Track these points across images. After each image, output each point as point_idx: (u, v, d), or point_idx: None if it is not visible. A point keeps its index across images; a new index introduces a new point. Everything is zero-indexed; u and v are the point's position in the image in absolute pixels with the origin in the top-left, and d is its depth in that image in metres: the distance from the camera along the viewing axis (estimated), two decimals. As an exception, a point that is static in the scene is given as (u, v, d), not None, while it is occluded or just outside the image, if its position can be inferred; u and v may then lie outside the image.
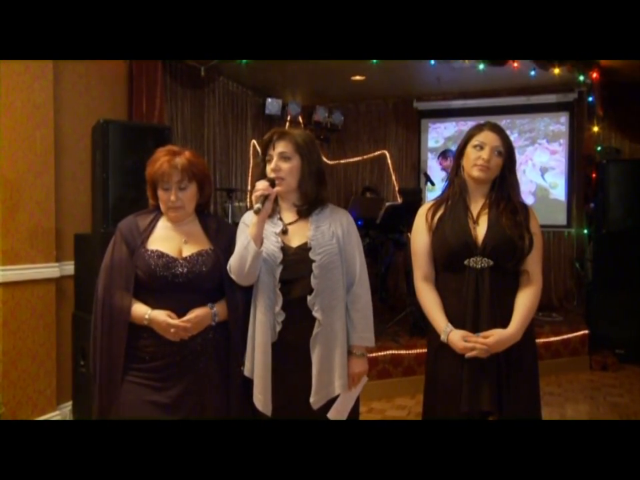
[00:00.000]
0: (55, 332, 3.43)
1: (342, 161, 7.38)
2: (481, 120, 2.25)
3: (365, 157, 7.31)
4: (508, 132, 2.10)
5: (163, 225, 2.06)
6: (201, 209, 2.12)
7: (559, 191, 6.60)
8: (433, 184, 5.63)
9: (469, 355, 1.92)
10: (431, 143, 7.16)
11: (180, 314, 1.93)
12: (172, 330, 1.90)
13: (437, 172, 6.79)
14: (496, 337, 1.92)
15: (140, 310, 1.93)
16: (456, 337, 1.95)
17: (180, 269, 1.95)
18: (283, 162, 2.00)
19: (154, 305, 1.94)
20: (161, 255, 1.96)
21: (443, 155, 6.29)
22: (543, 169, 6.64)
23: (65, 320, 3.51)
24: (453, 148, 6.67)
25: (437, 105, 7.05)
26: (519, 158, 5.19)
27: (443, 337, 1.98)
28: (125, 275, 1.96)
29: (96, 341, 1.97)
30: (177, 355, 1.94)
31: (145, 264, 1.94)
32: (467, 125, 6.61)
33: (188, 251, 2.01)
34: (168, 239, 2.02)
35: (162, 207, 2.04)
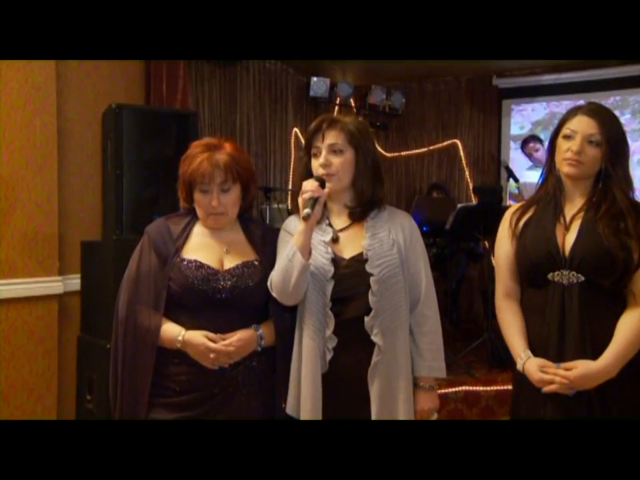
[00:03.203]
0: (56, 359, 3.47)
1: (403, 153, 7.37)
2: (580, 99, 2.25)
3: (432, 147, 7.26)
4: (617, 112, 2.07)
5: (199, 232, 2.09)
6: (242, 212, 2.14)
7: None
8: (516, 180, 5.47)
9: (546, 389, 1.91)
10: (515, 129, 7.04)
11: None
12: (212, 355, 1.90)
13: (521, 165, 6.63)
14: (580, 369, 1.88)
15: (172, 331, 1.95)
16: (532, 367, 1.95)
17: (222, 283, 1.97)
18: (333, 156, 2.03)
19: (188, 325, 1.96)
20: (200, 265, 1.98)
21: (534, 140, 6.17)
22: (667, 158, 6.37)
23: (69, 345, 3.54)
24: (543, 135, 6.58)
25: (522, 82, 6.92)
26: (632, 145, 5.01)
27: (518, 365, 1.99)
28: (154, 288, 1.98)
29: (116, 370, 1.98)
30: (214, 386, 1.95)
31: (181, 276, 1.96)
32: (560, 105, 6.51)
33: (231, 261, 2.03)
34: (206, 248, 2.05)
35: (200, 212, 2.06)
